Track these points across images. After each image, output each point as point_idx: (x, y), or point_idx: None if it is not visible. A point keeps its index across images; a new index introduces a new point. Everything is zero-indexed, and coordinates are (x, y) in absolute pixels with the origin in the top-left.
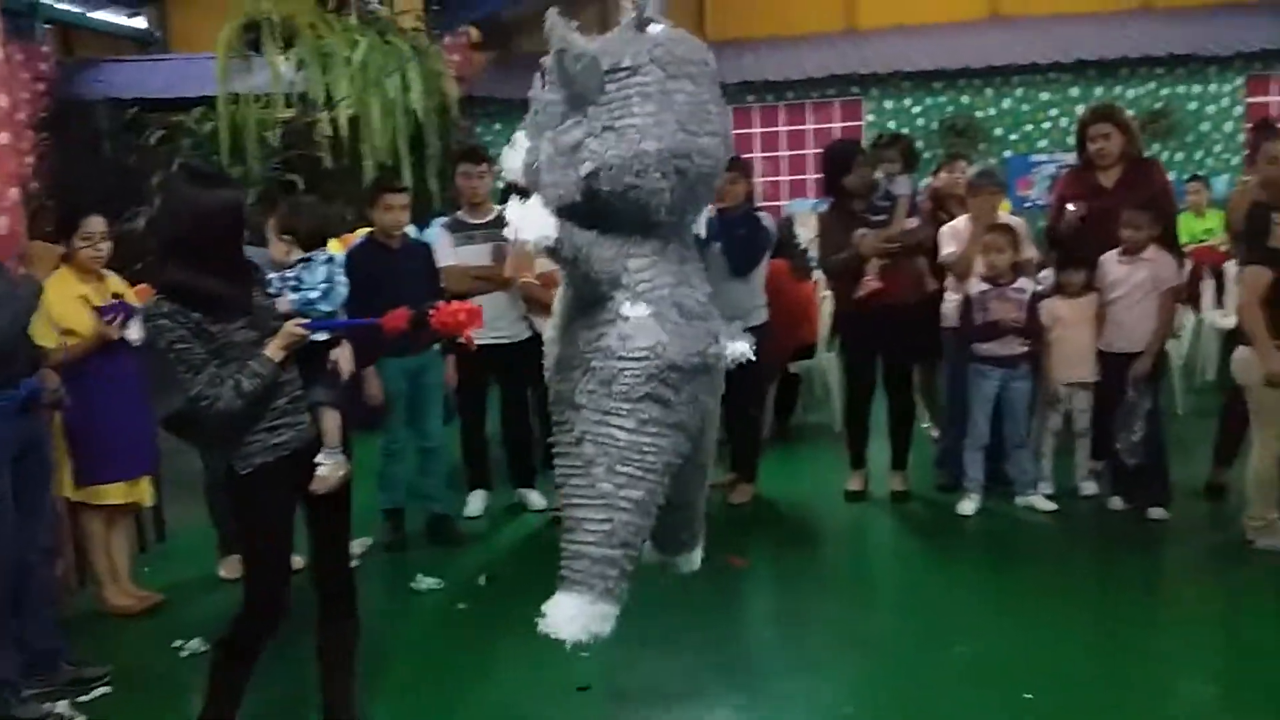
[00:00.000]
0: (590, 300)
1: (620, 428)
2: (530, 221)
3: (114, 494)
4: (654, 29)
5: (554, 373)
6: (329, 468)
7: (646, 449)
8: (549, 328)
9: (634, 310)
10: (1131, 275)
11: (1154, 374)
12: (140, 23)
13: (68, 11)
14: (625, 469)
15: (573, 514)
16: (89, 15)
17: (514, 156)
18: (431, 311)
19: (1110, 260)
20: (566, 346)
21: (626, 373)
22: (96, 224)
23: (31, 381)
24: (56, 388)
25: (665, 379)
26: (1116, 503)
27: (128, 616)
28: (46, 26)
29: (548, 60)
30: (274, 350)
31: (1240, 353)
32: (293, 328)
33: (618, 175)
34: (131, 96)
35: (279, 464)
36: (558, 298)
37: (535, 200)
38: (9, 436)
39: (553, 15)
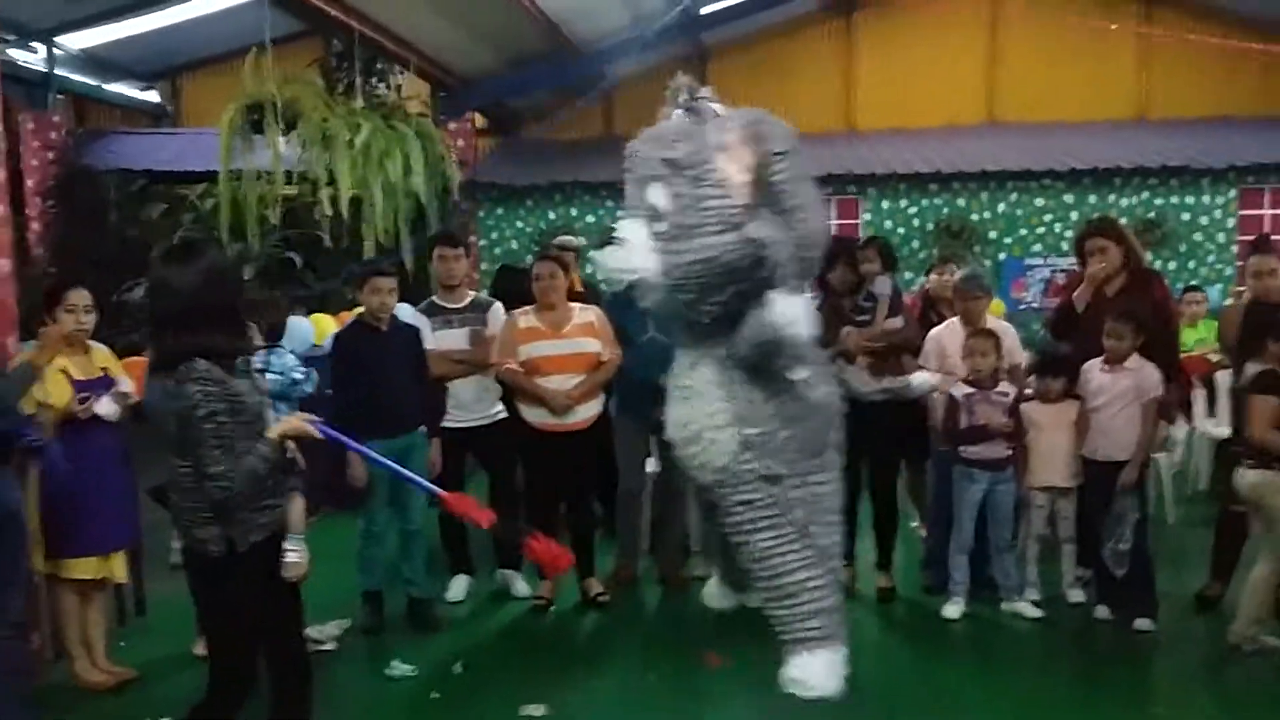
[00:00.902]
0: (757, 371)
1: (821, 482)
2: (629, 257)
3: (85, 569)
4: (715, 107)
5: (738, 457)
6: (299, 554)
7: (836, 494)
8: (681, 425)
9: (803, 371)
10: (1115, 384)
11: (1140, 483)
12: (153, 97)
13: (83, 83)
14: (829, 518)
15: (788, 580)
16: (104, 88)
17: (628, 254)
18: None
19: (1093, 369)
20: (743, 428)
21: (819, 429)
22: (81, 296)
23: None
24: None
25: (837, 424)
26: (1102, 611)
27: (101, 692)
28: (60, 97)
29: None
30: (277, 435)
31: (1254, 475)
32: (303, 424)
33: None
34: (140, 168)
35: (264, 543)
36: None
37: (638, 230)
38: None
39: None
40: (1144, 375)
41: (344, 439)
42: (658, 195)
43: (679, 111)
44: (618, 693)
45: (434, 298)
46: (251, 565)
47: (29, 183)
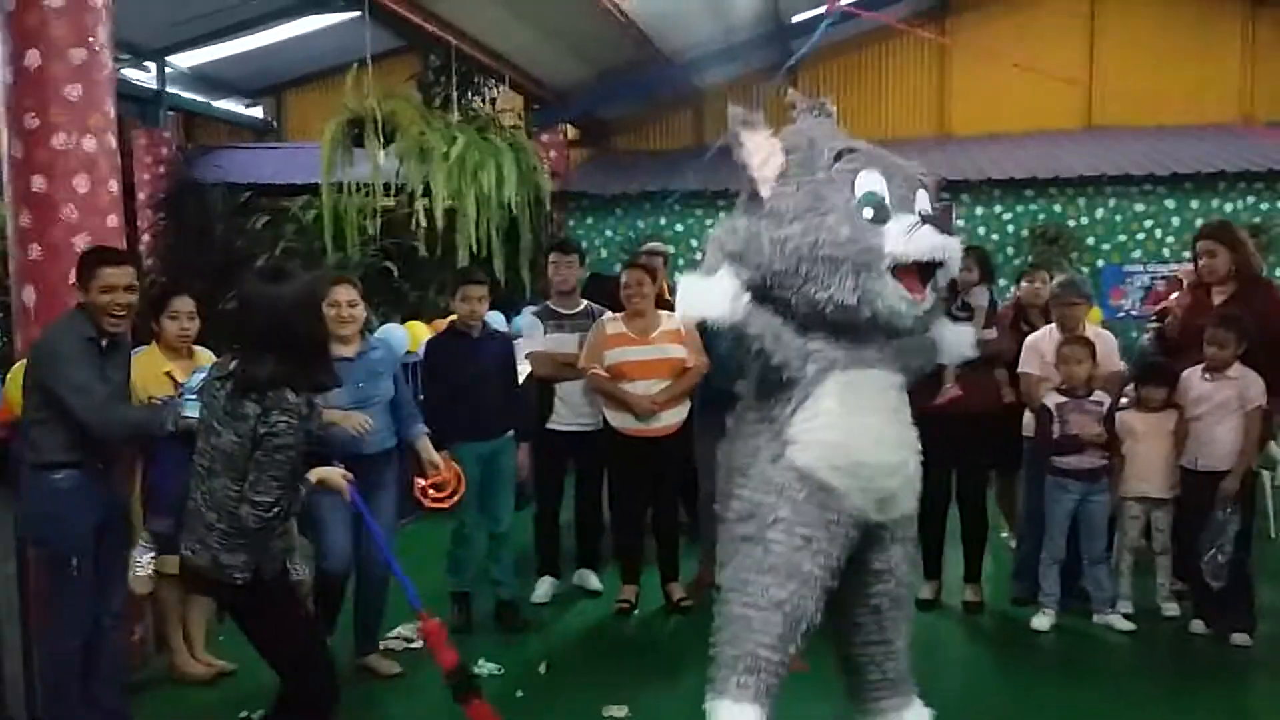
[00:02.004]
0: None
1: None
2: (703, 296)
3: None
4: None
5: None
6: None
7: None
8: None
9: None
10: (1216, 393)
11: (1242, 494)
12: (258, 113)
13: (192, 101)
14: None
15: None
16: (211, 104)
17: (711, 296)
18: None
19: (1193, 377)
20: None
21: None
22: (184, 303)
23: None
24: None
25: None
26: (1198, 625)
27: (199, 684)
28: (170, 114)
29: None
30: (315, 479)
31: None
32: (340, 480)
33: None
34: (245, 182)
35: (282, 573)
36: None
37: (724, 273)
38: (95, 502)
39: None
40: (1247, 384)
41: (362, 507)
42: (924, 200)
43: (809, 114)
44: (698, 696)
45: (549, 302)
46: (276, 593)
47: (140, 196)
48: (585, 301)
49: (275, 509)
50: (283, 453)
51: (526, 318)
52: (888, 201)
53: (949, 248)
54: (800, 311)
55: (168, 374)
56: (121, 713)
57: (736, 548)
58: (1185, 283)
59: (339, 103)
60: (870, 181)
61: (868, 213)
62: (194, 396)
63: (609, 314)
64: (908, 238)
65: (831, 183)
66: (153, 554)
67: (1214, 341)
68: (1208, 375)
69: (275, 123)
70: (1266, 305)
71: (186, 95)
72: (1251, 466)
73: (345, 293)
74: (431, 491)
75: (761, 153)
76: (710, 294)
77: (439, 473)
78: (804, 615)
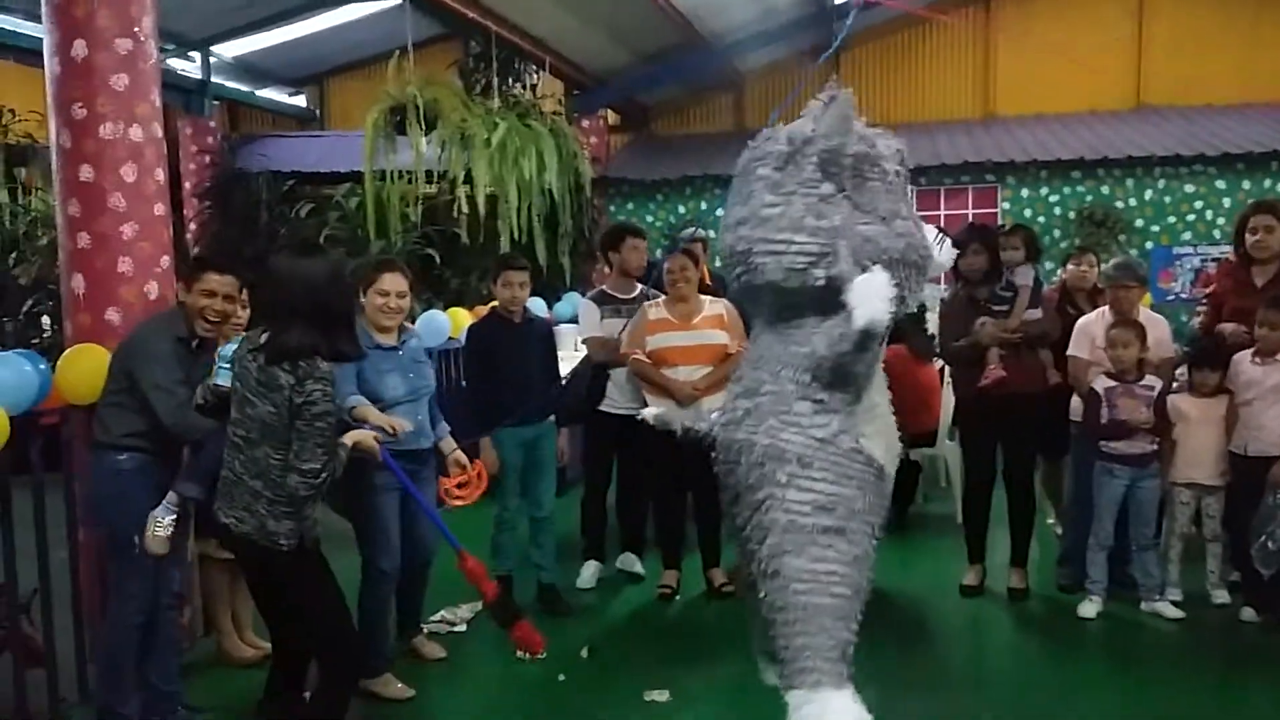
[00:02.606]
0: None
1: None
2: (875, 302)
3: None
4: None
5: None
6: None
7: None
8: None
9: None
10: (1267, 377)
11: None
12: (301, 101)
13: (236, 90)
14: None
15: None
16: (255, 93)
17: (883, 298)
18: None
19: (1244, 360)
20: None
21: None
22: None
23: None
24: None
25: None
26: (1249, 614)
27: (246, 666)
28: (215, 103)
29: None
30: (350, 443)
31: None
32: (372, 441)
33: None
34: (289, 170)
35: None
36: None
37: (883, 278)
38: (155, 483)
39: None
40: None
41: (394, 466)
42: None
43: (820, 105)
44: (739, 680)
45: (604, 287)
46: (316, 560)
47: (186, 185)
48: (641, 286)
49: (322, 474)
50: (322, 419)
51: (582, 303)
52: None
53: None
54: None
55: None
56: (175, 693)
57: (811, 539)
58: (1216, 269)
59: (381, 91)
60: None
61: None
62: (227, 365)
63: (653, 300)
64: (940, 249)
65: (901, 186)
66: (174, 515)
67: (1265, 323)
68: (1258, 359)
69: (318, 111)
70: None
71: (230, 85)
72: None
73: (395, 282)
74: (455, 490)
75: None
76: (884, 295)
77: (464, 472)
78: (866, 596)
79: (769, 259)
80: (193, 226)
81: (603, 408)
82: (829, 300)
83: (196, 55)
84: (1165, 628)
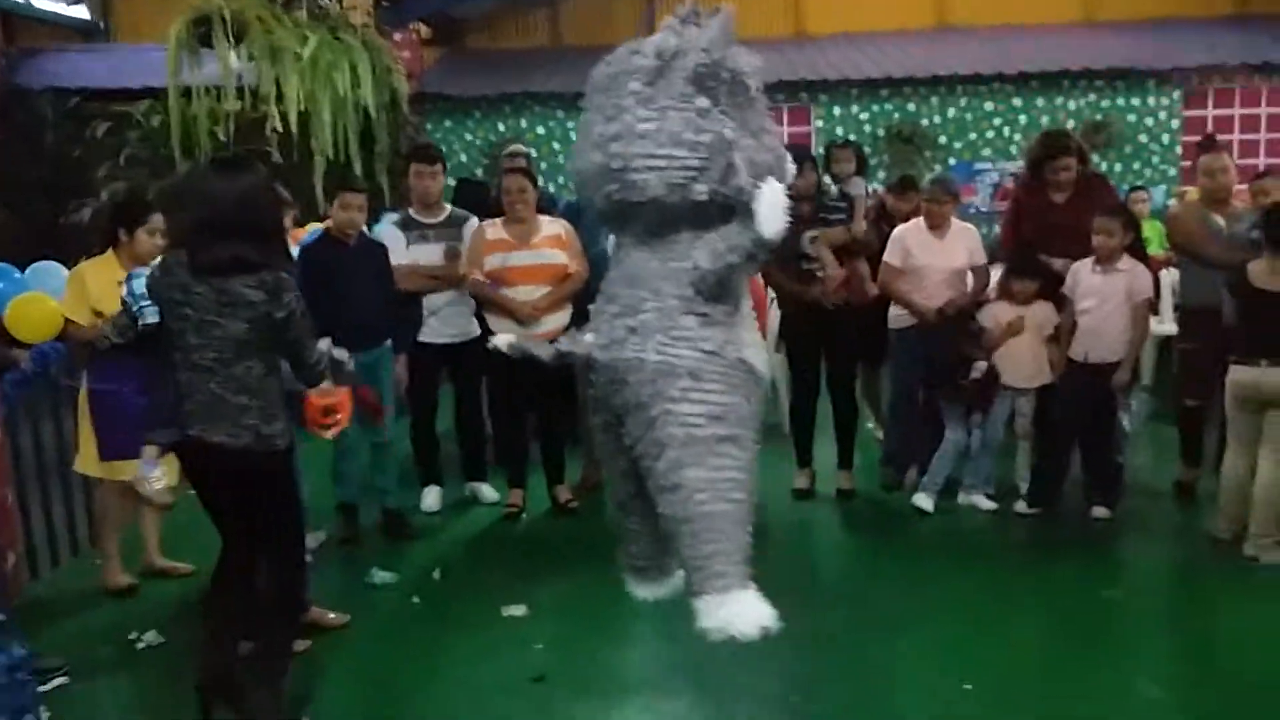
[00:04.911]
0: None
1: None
2: (778, 214)
3: (131, 470)
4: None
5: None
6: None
7: None
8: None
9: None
10: (1106, 285)
11: (1133, 383)
12: (82, 12)
13: (12, 0)
14: None
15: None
16: (31, 3)
17: (781, 211)
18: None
19: (1084, 269)
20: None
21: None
22: (159, 220)
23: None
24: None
25: None
26: (1100, 512)
27: (116, 595)
28: None
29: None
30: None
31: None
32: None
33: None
34: (75, 87)
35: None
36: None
37: (780, 190)
38: None
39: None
40: (1135, 275)
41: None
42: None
43: (678, 22)
44: (593, 590)
45: (410, 211)
46: (292, 460)
47: None
48: (449, 208)
49: (323, 361)
50: (306, 318)
51: (387, 229)
52: None
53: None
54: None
55: (119, 284)
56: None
57: (709, 449)
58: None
59: (176, 2)
60: None
61: None
62: (148, 302)
63: (489, 220)
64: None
65: (760, 100)
66: (158, 467)
67: (1103, 229)
68: (1098, 268)
69: (102, 23)
70: (1106, 200)
71: None
72: (1138, 357)
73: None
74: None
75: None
76: (781, 208)
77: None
78: None
79: (650, 174)
80: None
81: (422, 338)
82: (707, 214)
83: None
84: (983, 520)
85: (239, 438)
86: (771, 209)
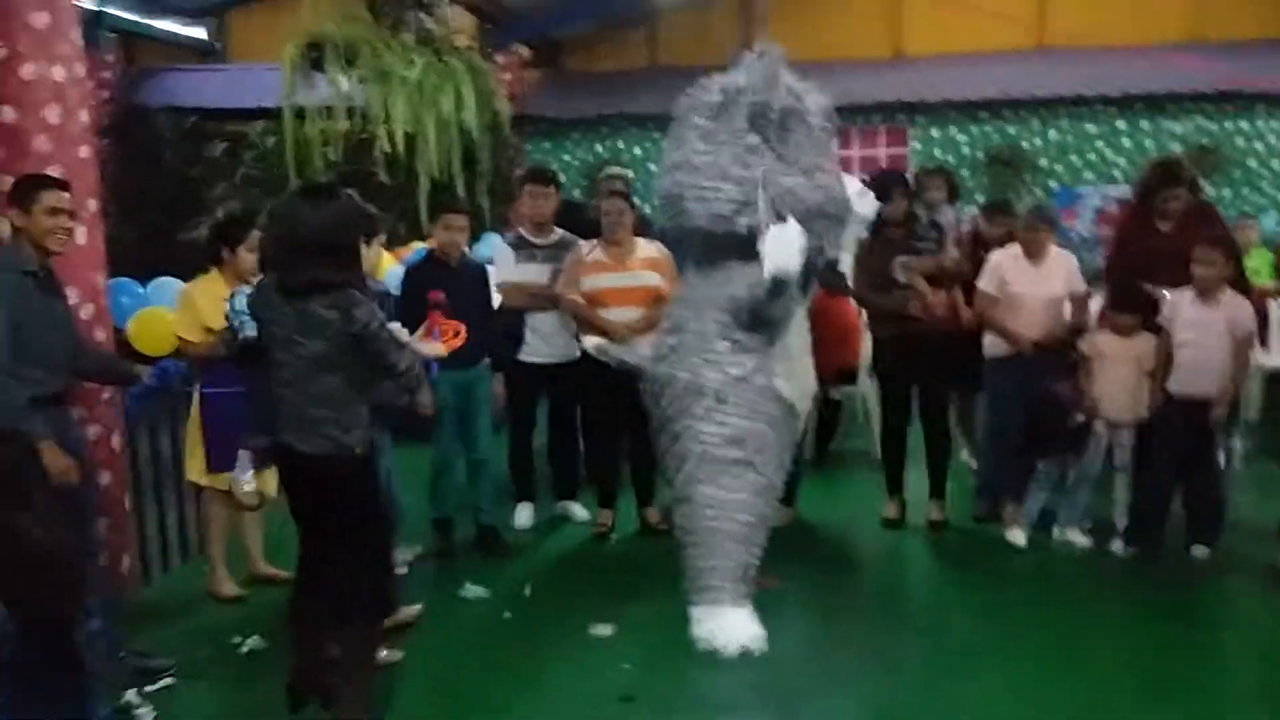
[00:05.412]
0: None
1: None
2: (792, 250)
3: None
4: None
5: None
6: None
7: None
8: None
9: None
10: (1206, 317)
11: (1233, 417)
12: (200, 33)
13: (133, 21)
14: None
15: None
16: (151, 25)
17: (794, 250)
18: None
19: (1184, 300)
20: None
21: None
22: (260, 238)
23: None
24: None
25: None
26: (1201, 551)
27: (225, 602)
28: (111, 35)
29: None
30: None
31: None
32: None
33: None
34: (191, 105)
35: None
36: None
37: (795, 230)
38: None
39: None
40: (1237, 308)
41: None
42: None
43: (755, 57)
44: (681, 611)
45: (522, 231)
46: (375, 466)
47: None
48: (560, 231)
49: (413, 368)
50: (384, 330)
51: (499, 247)
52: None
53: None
54: None
55: (225, 300)
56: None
57: (723, 469)
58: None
59: (289, 23)
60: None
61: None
62: (247, 316)
63: (588, 241)
64: (860, 200)
65: (824, 140)
66: (252, 469)
67: (1203, 260)
68: (1199, 300)
69: (218, 44)
70: (1213, 229)
71: (126, 16)
72: (1240, 393)
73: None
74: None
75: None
76: (795, 246)
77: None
78: (770, 524)
79: (698, 204)
80: None
81: (523, 357)
82: (750, 247)
83: None
84: (1075, 556)
85: (319, 446)
86: (777, 248)
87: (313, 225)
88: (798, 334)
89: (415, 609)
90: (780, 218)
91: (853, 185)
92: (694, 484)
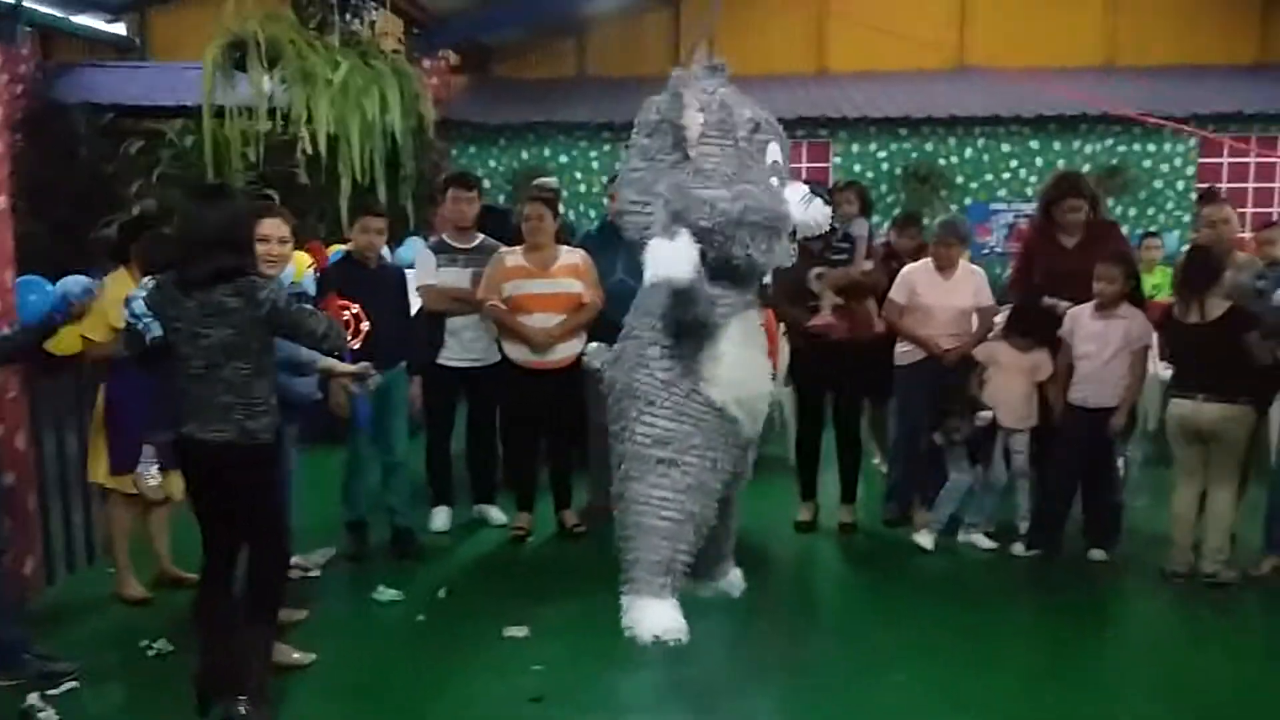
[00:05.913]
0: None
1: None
2: (673, 260)
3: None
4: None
5: None
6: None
7: None
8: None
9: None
10: (1106, 331)
11: (1131, 427)
12: (120, 29)
13: (51, 15)
14: None
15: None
16: (70, 19)
17: (679, 259)
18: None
19: (1083, 314)
20: None
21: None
22: (275, 227)
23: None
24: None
25: None
26: (1097, 554)
27: (133, 605)
28: (28, 29)
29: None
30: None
31: (1216, 409)
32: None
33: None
34: (109, 102)
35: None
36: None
37: (685, 239)
38: None
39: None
40: (1135, 322)
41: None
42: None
43: (699, 69)
44: (595, 614)
45: (444, 236)
46: (279, 451)
47: None
48: (481, 236)
49: (332, 331)
50: (291, 302)
51: (420, 251)
52: (783, 171)
53: (828, 216)
54: (711, 264)
55: None
56: (15, 641)
57: (650, 467)
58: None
59: (211, 22)
60: (774, 152)
61: (774, 181)
62: (150, 316)
63: (508, 247)
64: (805, 207)
65: (751, 152)
66: (157, 464)
67: (1103, 277)
68: (1098, 314)
69: (138, 40)
70: (1116, 247)
71: (43, 9)
72: (1138, 403)
73: (276, 228)
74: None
75: (695, 114)
76: (678, 257)
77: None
78: (706, 522)
79: (629, 219)
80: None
81: (441, 361)
82: None
83: None
84: (981, 558)
85: (224, 432)
86: (655, 260)
87: (209, 221)
88: (740, 340)
89: (302, 613)
90: (691, 230)
91: (795, 193)
92: (627, 481)
